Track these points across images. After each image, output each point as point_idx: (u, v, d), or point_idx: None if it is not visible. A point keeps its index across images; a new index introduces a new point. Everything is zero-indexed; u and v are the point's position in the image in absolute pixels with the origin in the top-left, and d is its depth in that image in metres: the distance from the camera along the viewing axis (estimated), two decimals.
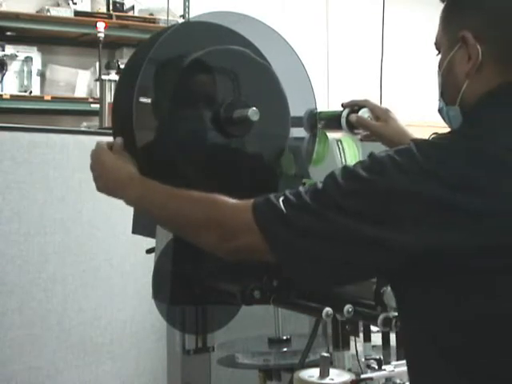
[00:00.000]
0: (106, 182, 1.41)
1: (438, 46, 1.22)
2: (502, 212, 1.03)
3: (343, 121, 1.62)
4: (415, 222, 1.03)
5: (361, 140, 1.71)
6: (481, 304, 1.05)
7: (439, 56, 1.22)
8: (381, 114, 1.62)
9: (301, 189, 1.13)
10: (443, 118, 1.24)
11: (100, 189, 1.43)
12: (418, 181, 1.04)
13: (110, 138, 1.48)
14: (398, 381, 1.72)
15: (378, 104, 1.65)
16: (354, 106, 1.63)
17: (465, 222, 1.02)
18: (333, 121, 1.64)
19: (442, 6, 1.22)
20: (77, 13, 4.73)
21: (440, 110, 1.24)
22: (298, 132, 1.62)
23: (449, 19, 1.19)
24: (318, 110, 1.63)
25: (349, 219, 1.06)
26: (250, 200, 1.17)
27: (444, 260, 1.04)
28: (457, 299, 1.06)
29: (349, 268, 1.11)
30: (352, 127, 1.62)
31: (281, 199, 1.13)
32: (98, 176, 1.43)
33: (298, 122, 1.58)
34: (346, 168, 1.12)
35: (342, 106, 1.67)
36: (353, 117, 1.61)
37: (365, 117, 1.61)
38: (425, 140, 1.12)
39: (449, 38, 1.18)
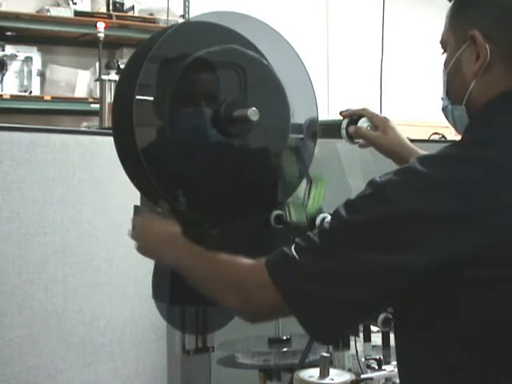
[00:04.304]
0: (151, 247, 1.42)
1: (443, 44, 1.21)
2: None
3: (343, 132, 1.66)
4: (428, 239, 1.02)
5: (360, 147, 1.73)
6: (488, 312, 1.05)
7: (444, 55, 1.20)
8: (379, 123, 1.63)
9: (309, 233, 1.11)
10: (446, 117, 1.22)
11: (144, 253, 1.44)
12: (426, 197, 1.03)
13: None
14: (398, 381, 1.72)
15: (377, 113, 1.66)
16: (353, 116, 1.65)
17: (477, 232, 1.01)
18: (332, 130, 1.67)
19: (442, 3, 1.21)
20: (77, 13, 4.74)
21: (444, 109, 1.22)
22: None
23: (457, 18, 1.18)
24: (319, 118, 1.64)
25: (363, 253, 1.04)
26: (262, 259, 1.15)
27: (456, 271, 1.03)
28: (462, 309, 1.05)
29: (372, 301, 1.08)
30: (351, 137, 1.66)
31: (293, 248, 1.11)
32: (145, 243, 1.43)
33: (298, 129, 1.59)
34: (349, 202, 1.10)
35: (341, 114, 1.68)
36: (352, 128, 1.65)
37: (364, 127, 1.63)
38: (429, 154, 1.10)
39: (456, 36, 1.17)
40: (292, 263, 1.09)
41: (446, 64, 1.20)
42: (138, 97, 1.37)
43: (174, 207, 1.42)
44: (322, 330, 1.11)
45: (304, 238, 1.12)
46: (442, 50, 1.21)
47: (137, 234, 1.45)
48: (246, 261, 1.20)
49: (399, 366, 1.22)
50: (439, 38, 1.22)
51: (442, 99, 1.22)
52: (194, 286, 1.30)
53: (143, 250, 1.45)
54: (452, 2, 1.20)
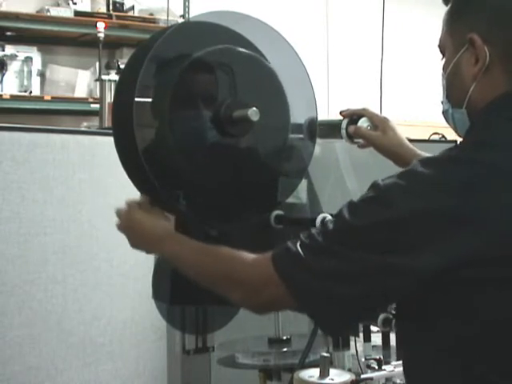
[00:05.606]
0: (142, 239, 1.43)
1: (442, 48, 1.21)
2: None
3: (343, 132, 1.66)
4: (431, 242, 1.02)
5: (359, 147, 1.72)
6: (488, 312, 1.05)
7: (443, 60, 1.21)
8: (379, 123, 1.63)
9: (313, 231, 1.13)
10: (447, 121, 1.23)
11: (135, 245, 1.45)
12: (427, 198, 1.03)
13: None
14: (398, 381, 1.72)
15: (377, 113, 1.66)
16: (353, 116, 1.65)
17: (477, 233, 1.01)
18: (332, 130, 1.67)
19: (443, 4, 1.21)
20: (77, 13, 4.74)
21: (445, 113, 1.22)
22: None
23: (454, 21, 1.18)
24: (318, 118, 1.64)
25: (368, 254, 1.05)
26: (268, 253, 1.16)
27: (456, 272, 1.03)
28: (462, 309, 1.06)
29: (374, 301, 1.10)
30: (351, 137, 1.66)
31: (298, 244, 1.12)
32: (132, 234, 1.45)
33: (297, 129, 1.59)
34: (352, 204, 1.11)
35: (341, 114, 1.68)
36: (351, 128, 1.65)
37: (364, 126, 1.63)
38: (431, 156, 1.11)
39: (454, 40, 1.17)
40: (297, 259, 1.11)
41: (444, 68, 1.20)
42: (137, 98, 1.37)
43: (155, 199, 1.43)
44: (330, 323, 1.14)
45: (308, 235, 1.13)
46: (441, 55, 1.22)
47: (125, 225, 1.45)
48: (250, 256, 1.21)
49: (402, 365, 1.22)
50: (438, 41, 1.22)
51: (442, 103, 1.23)
52: (194, 280, 1.30)
53: (138, 244, 1.45)
54: (449, 6, 1.20)
